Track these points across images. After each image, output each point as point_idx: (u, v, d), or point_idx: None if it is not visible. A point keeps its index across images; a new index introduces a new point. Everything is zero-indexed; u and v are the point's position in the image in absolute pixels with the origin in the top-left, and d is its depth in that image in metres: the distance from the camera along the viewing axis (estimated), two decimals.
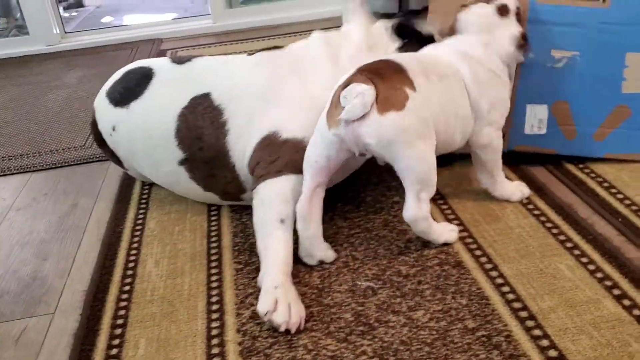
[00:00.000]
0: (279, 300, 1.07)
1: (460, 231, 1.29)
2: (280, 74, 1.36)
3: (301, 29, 3.11)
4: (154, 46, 3.12)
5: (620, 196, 1.36)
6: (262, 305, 1.07)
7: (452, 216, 1.35)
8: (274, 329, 1.06)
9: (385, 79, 1.13)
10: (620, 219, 1.28)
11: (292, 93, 1.33)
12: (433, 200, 1.40)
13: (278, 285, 1.10)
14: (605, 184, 1.41)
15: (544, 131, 1.44)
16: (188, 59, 1.49)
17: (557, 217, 1.31)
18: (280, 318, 1.05)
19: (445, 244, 1.24)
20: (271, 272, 1.13)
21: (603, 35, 1.36)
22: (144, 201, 1.56)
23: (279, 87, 1.34)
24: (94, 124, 1.54)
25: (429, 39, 1.41)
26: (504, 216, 1.33)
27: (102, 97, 1.52)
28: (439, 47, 1.34)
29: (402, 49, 1.40)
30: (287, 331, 1.05)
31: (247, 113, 1.33)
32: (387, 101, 1.10)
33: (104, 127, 1.51)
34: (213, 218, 1.44)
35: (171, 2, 4.64)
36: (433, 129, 1.16)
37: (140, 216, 1.50)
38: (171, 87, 1.42)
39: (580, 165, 1.49)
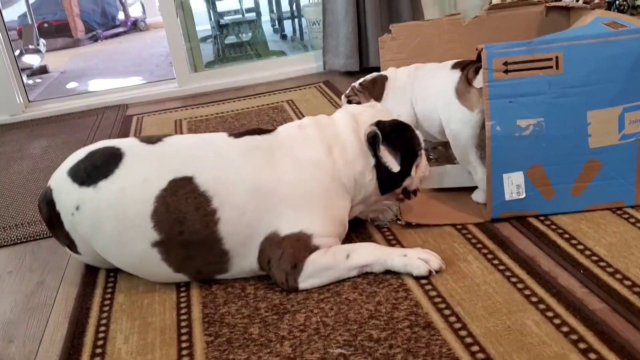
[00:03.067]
0: (417, 257, 1.36)
1: (429, 290, 1.31)
2: (272, 166, 1.40)
3: (266, 90, 3.17)
4: (120, 112, 3.14)
5: (580, 247, 1.40)
6: (419, 270, 1.35)
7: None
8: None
9: None
10: (582, 271, 1.31)
11: (288, 192, 1.38)
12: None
13: (401, 254, 1.37)
14: (566, 235, 1.45)
15: (523, 195, 1.49)
16: (158, 138, 1.48)
17: (521, 271, 1.34)
18: (436, 265, 1.36)
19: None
20: (387, 255, 1.38)
21: (563, 99, 1.43)
22: (112, 274, 1.55)
23: (274, 185, 1.38)
24: (50, 204, 1.48)
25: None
26: (471, 273, 1.35)
27: (63, 176, 1.47)
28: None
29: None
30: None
31: (239, 206, 1.36)
32: None
33: (64, 207, 1.45)
34: (182, 289, 1.44)
35: (136, 67, 4.69)
36: None
37: (109, 290, 1.48)
38: (145, 167, 1.40)
39: (541, 217, 1.53)
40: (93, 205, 1.40)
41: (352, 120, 1.47)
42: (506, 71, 1.41)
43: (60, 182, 1.48)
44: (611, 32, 1.44)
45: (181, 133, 2.68)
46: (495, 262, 1.39)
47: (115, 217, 1.38)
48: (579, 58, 1.40)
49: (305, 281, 1.36)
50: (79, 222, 1.44)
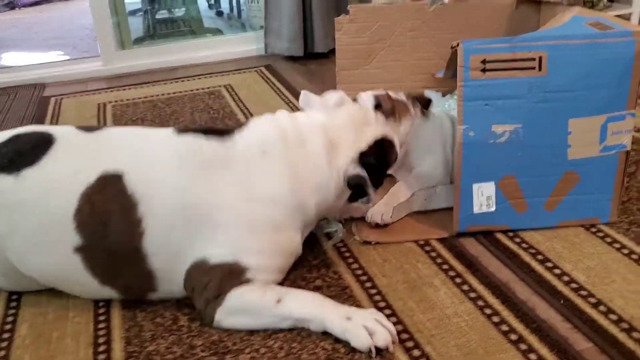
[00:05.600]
0: (362, 323, 1.08)
1: (395, 323, 1.12)
2: (211, 183, 1.17)
3: (201, 72, 2.91)
4: (36, 92, 2.81)
5: (557, 271, 1.26)
6: (358, 342, 1.07)
7: (382, 303, 1.19)
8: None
9: None
10: (562, 301, 1.17)
11: (225, 219, 1.16)
12: (359, 282, 1.23)
13: (344, 316, 1.10)
14: (540, 257, 1.30)
15: (493, 208, 1.33)
16: (98, 127, 1.28)
17: (495, 300, 1.18)
18: (381, 342, 1.06)
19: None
20: (327, 314, 1.11)
21: (543, 104, 1.28)
22: (15, 296, 1.29)
23: (207, 207, 1.15)
24: None
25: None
26: (439, 301, 1.19)
27: None
28: None
29: None
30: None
31: (167, 221, 1.14)
32: None
33: None
34: (101, 318, 1.21)
35: (57, 39, 4.30)
36: None
37: (10, 318, 1.23)
38: (76, 158, 1.19)
39: (510, 234, 1.39)
40: (13, 198, 1.17)
41: (328, 144, 1.23)
42: (484, 70, 1.24)
43: None
44: (599, 34, 1.29)
45: (104, 118, 2.40)
46: (465, 287, 1.23)
47: (36, 213, 1.16)
48: (564, 60, 1.25)
49: (224, 317, 1.13)
50: None
